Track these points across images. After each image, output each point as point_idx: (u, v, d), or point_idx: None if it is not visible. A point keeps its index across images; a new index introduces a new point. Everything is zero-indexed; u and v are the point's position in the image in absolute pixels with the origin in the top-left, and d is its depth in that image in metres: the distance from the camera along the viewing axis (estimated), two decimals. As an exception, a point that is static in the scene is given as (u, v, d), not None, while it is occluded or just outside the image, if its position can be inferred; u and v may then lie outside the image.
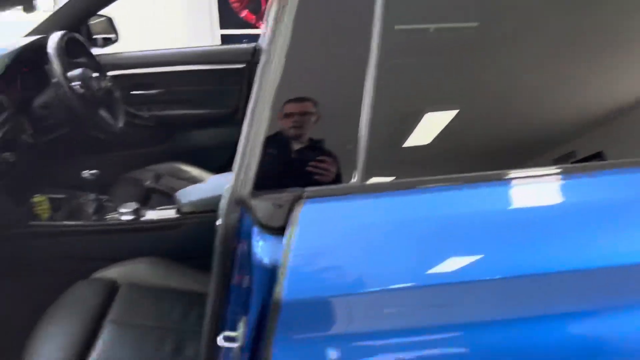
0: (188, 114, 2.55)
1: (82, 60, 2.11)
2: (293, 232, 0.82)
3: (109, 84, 2.17)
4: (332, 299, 0.82)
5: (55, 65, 1.81)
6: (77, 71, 2.01)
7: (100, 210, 1.77)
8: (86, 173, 1.74)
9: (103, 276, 1.62)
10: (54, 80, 2.00)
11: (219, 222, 0.95)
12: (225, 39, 4.06)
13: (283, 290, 0.80)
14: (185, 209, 1.70)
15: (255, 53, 2.50)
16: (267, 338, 0.83)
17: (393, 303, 0.82)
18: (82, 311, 1.45)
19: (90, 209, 1.75)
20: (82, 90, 1.93)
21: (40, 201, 1.78)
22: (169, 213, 1.76)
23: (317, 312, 0.83)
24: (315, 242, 0.84)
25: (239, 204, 0.89)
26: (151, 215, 1.74)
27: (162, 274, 1.65)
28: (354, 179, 0.87)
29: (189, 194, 1.74)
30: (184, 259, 1.72)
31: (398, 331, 0.82)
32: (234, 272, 0.97)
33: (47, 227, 1.66)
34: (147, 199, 2.16)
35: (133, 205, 1.72)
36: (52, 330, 1.38)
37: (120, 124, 2.14)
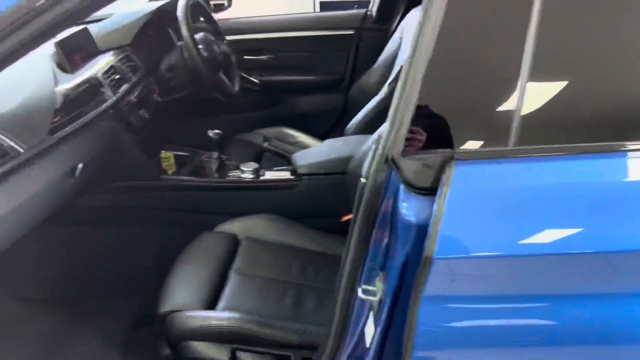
0: (295, 80, 2.60)
1: (203, 25, 2.21)
2: (445, 193, 0.84)
3: (226, 48, 2.26)
4: (482, 260, 0.84)
5: (184, 29, 1.91)
6: (201, 35, 2.11)
7: (222, 168, 1.87)
8: (211, 132, 1.84)
9: (224, 230, 1.72)
10: (180, 43, 2.11)
11: (363, 180, 0.98)
12: (324, 6, 4.07)
13: (435, 247, 0.83)
14: (302, 171, 1.76)
15: (366, 19, 2.50)
16: (414, 293, 0.86)
17: (548, 267, 0.82)
18: (210, 260, 1.56)
19: (214, 166, 1.85)
20: (205, 54, 2.03)
21: (167, 157, 1.91)
22: (286, 174, 1.84)
23: (466, 270, 0.85)
24: (467, 204, 0.85)
25: (388, 163, 0.91)
26: (269, 175, 1.82)
27: (278, 231, 1.73)
28: (508, 143, 0.87)
29: (305, 157, 1.80)
30: (299, 217, 1.79)
31: (550, 296, 0.83)
32: (373, 230, 1.00)
33: (175, 181, 1.79)
34: (260, 159, 2.26)
35: (253, 165, 1.80)
36: (186, 275, 1.49)
37: (237, 87, 2.23)
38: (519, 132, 0.87)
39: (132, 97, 1.72)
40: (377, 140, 0.96)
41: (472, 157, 0.87)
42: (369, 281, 1.03)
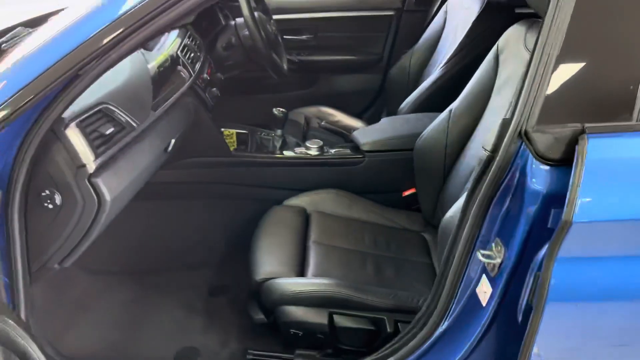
0: (333, 60, 2.66)
1: (256, 4, 2.25)
2: (582, 163, 0.92)
3: (274, 27, 2.30)
4: (617, 224, 0.94)
5: (245, 8, 1.94)
6: (256, 13, 2.14)
7: (284, 145, 1.94)
8: (276, 110, 1.90)
9: (293, 204, 1.79)
10: (234, 22, 2.15)
11: (486, 153, 1.06)
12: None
13: (574, 211, 0.91)
14: (365, 148, 1.84)
15: (406, 0, 2.56)
16: (550, 253, 0.95)
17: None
18: (288, 232, 1.63)
19: (277, 143, 1.91)
20: (262, 33, 2.07)
21: (230, 134, 1.96)
22: (348, 149, 1.91)
23: (601, 233, 0.95)
24: (601, 173, 0.94)
25: (520, 136, 1.00)
26: (333, 150, 1.89)
27: (344, 205, 1.81)
28: (634, 118, 0.96)
29: (367, 134, 1.88)
30: (362, 192, 1.87)
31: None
32: (494, 199, 1.09)
33: (246, 157, 1.85)
34: (305, 138, 2.32)
35: (318, 142, 1.87)
36: (271, 246, 1.56)
37: (286, 66, 2.28)
38: (643, 109, 0.96)
39: (205, 75, 1.77)
40: (504, 121, 1.03)
41: (603, 130, 0.96)
42: (483, 247, 1.12)
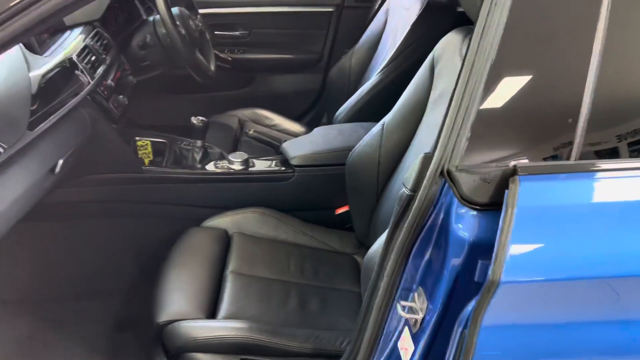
0: (270, 58, 2.47)
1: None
2: (512, 212, 0.78)
3: (201, 24, 2.09)
4: (554, 285, 0.80)
5: (160, 2, 1.73)
6: (175, 9, 1.93)
7: (206, 157, 1.74)
8: (195, 119, 1.70)
9: (214, 225, 1.62)
10: (152, 17, 1.94)
11: (406, 192, 0.91)
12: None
13: (502, 271, 0.77)
14: (295, 162, 1.66)
15: (346, -4, 2.39)
16: (475, 317, 0.81)
17: (622, 290, 0.79)
18: (203, 260, 1.46)
19: (197, 156, 1.72)
20: (182, 31, 1.87)
21: (144, 145, 1.76)
22: (275, 162, 1.73)
23: (535, 295, 0.81)
24: (535, 223, 0.80)
25: (443, 175, 0.85)
26: (259, 165, 1.71)
27: (271, 225, 1.64)
28: (572, 156, 0.82)
29: (298, 147, 1.70)
30: (291, 210, 1.71)
31: (622, 322, 0.80)
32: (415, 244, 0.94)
33: (159, 173, 1.64)
34: (237, 145, 2.14)
35: (242, 155, 1.68)
36: (180, 279, 1.38)
37: (213, 67, 2.08)
38: (582, 146, 0.82)
39: (109, 81, 1.55)
40: (425, 156, 0.88)
41: (536, 171, 0.82)
42: (405, 297, 0.97)
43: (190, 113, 2.48)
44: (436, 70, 1.39)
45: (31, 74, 1.24)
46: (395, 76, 1.81)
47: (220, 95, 2.48)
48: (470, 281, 0.86)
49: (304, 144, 1.72)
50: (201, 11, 2.23)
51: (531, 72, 0.84)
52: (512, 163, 0.82)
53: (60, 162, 1.30)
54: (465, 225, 0.84)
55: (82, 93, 1.38)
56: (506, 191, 0.80)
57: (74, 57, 1.43)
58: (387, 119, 1.50)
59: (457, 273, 0.86)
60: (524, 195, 0.79)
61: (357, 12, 2.39)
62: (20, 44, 1.33)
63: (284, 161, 1.72)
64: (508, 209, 0.78)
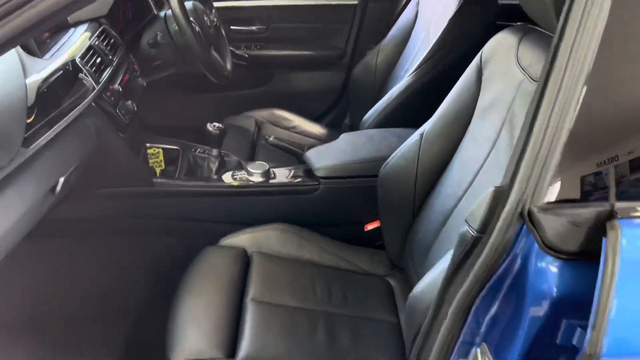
0: (289, 55, 2.31)
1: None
2: (612, 265, 0.62)
3: (216, 19, 1.94)
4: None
5: (173, -3, 1.57)
6: (189, 3, 1.78)
7: (222, 167, 1.59)
8: (210, 126, 1.54)
9: (231, 243, 1.47)
10: (164, 13, 1.78)
11: (471, 232, 0.75)
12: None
13: (601, 341, 0.62)
14: (320, 174, 1.51)
15: (373, -12, 2.22)
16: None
17: None
18: (220, 286, 1.31)
19: (213, 166, 1.57)
20: (197, 28, 1.71)
21: (155, 153, 1.61)
22: (299, 174, 1.58)
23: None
24: (642, 280, 0.64)
25: (522, 217, 0.69)
26: (281, 176, 1.55)
27: (294, 243, 1.49)
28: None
29: (323, 156, 1.55)
30: (316, 226, 1.55)
31: None
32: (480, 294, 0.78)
33: (171, 186, 1.50)
34: (254, 149, 1.99)
35: (263, 166, 1.53)
36: (196, 310, 1.24)
37: (229, 66, 1.92)
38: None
39: (117, 85, 1.40)
40: (497, 191, 0.72)
41: (641, 214, 0.65)
42: (464, 353, 0.82)
43: (204, 113, 2.35)
44: (484, 75, 1.22)
45: (28, 81, 1.09)
46: (430, 78, 1.64)
47: (236, 95, 2.33)
48: (550, 344, 0.70)
49: (330, 152, 1.56)
50: (216, 4, 2.07)
51: (635, 88, 0.68)
52: (609, 203, 0.66)
53: (62, 180, 1.15)
54: (548, 277, 0.68)
55: (87, 100, 1.23)
56: (604, 239, 0.64)
57: (78, 60, 1.28)
58: (426, 127, 1.34)
59: (535, 333, 0.70)
60: (628, 243, 0.63)
61: (383, 5, 2.22)
62: (18, 45, 1.19)
63: (308, 171, 1.57)
64: (609, 260, 0.62)
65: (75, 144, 1.19)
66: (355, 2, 2.23)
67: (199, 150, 1.68)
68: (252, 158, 1.92)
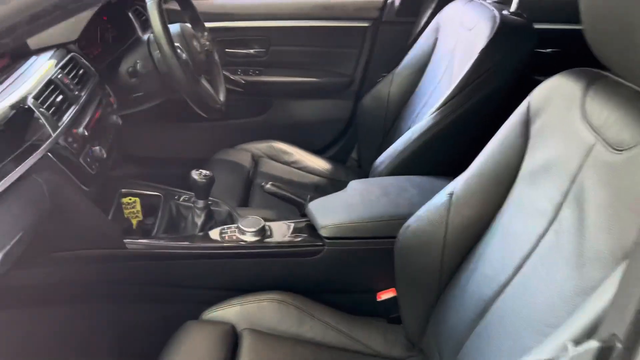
0: (290, 82, 2.07)
1: (176, 8, 1.64)
2: None
3: (209, 43, 1.70)
4: None
5: (155, 19, 1.34)
6: (176, 27, 1.54)
7: (210, 220, 1.35)
8: (195, 174, 1.30)
9: (216, 317, 1.22)
10: (147, 36, 1.55)
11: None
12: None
13: None
14: (325, 233, 1.26)
15: (385, 8, 1.98)
16: None
17: None
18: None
19: (198, 220, 1.32)
20: (184, 55, 1.47)
21: (131, 202, 1.37)
22: (300, 231, 1.32)
23: None
24: None
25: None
26: (278, 233, 1.30)
27: (294, 318, 1.24)
28: None
29: (328, 212, 1.29)
30: (319, 293, 1.31)
31: None
32: None
33: (146, 247, 1.24)
34: (249, 189, 1.75)
35: (257, 222, 1.28)
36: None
37: (222, 97, 1.68)
38: None
39: (82, 129, 1.16)
40: (604, 348, 0.48)
41: None
42: None
43: (194, 145, 2.11)
44: (534, 129, 0.98)
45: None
46: (457, 117, 1.40)
47: (231, 124, 2.09)
48: None
49: (337, 207, 1.31)
50: (209, 25, 1.84)
51: None
52: None
53: (1, 255, 0.90)
54: None
55: (39, 151, 0.99)
56: None
57: (30, 100, 1.04)
58: (456, 186, 1.09)
59: None
60: None
61: (397, 29, 1.99)
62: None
63: (311, 227, 1.32)
64: None
65: (20, 209, 0.94)
66: (366, 25, 1.99)
67: (183, 197, 1.44)
68: (245, 203, 1.68)
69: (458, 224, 1.08)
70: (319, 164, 1.96)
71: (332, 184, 1.89)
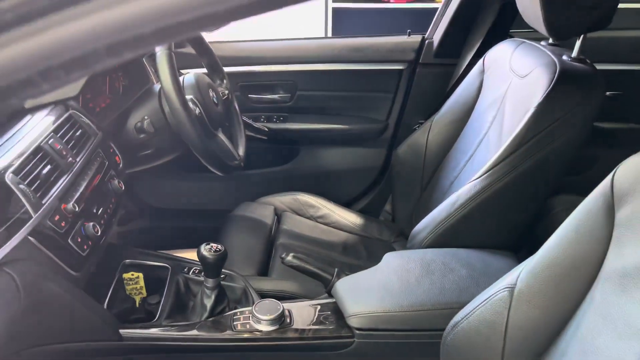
0: (317, 129, 1.90)
1: (191, 51, 1.50)
2: None
3: (227, 91, 1.55)
4: None
5: (164, 71, 1.19)
6: (189, 77, 1.39)
7: (221, 301, 1.16)
8: (205, 249, 1.11)
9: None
10: (159, 86, 1.40)
11: None
12: (338, 15, 3.35)
13: None
14: (354, 323, 1.06)
15: (423, 49, 1.80)
16: None
17: None
18: None
19: (208, 301, 1.14)
20: (197, 110, 1.32)
21: (133, 278, 1.20)
22: (325, 319, 1.12)
23: None
24: None
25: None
26: (300, 320, 1.10)
27: None
28: None
29: (359, 296, 1.09)
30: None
31: None
32: None
33: (145, 339, 1.06)
34: (271, 248, 1.57)
35: (275, 308, 1.08)
36: None
37: (242, 150, 1.52)
38: None
39: (72, 204, 1.00)
40: None
41: None
42: None
43: (211, 197, 1.95)
44: (620, 217, 0.76)
45: None
46: (510, 181, 1.19)
47: (252, 175, 1.93)
48: None
49: (369, 289, 1.11)
50: (230, 70, 1.69)
51: None
52: None
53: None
54: None
55: (15, 237, 0.83)
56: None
57: (8, 177, 0.88)
58: (518, 278, 0.88)
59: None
60: None
61: (436, 71, 1.80)
62: None
63: (338, 311, 1.12)
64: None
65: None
66: (402, 67, 1.81)
67: (193, 270, 1.27)
68: (265, 269, 1.49)
69: (521, 328, 0.87)
70: (348, 218, 1.77)
71: (363, 242, 1.69)
